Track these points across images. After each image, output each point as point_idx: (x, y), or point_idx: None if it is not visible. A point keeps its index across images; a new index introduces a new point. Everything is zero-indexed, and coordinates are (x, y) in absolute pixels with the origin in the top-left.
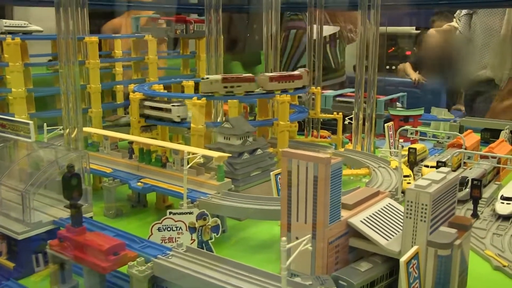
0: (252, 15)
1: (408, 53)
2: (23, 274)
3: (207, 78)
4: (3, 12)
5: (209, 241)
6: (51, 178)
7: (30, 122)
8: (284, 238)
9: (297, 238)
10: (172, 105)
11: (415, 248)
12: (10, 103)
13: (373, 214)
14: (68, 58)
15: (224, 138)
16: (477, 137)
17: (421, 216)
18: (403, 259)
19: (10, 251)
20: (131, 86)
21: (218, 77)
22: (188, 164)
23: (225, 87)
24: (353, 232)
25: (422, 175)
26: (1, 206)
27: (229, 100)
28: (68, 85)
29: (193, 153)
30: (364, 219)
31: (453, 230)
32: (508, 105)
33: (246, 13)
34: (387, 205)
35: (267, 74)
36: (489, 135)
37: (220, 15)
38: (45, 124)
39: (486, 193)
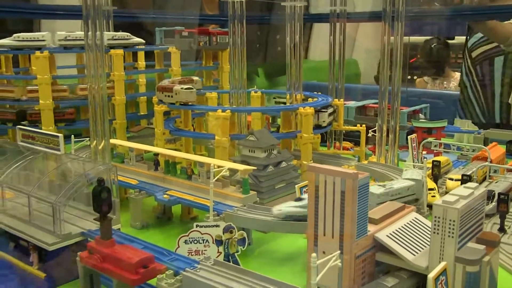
0: (273, 25)
1: (412, 60)
2: (53, 284)
3: None
4: (31, 25)
5: (236, 254)
6: (80, 190)
7: (60, 135)
8: (314, 254)
9: (324, 253)
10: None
11: (443, 264)
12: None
13: (399, 228)
14: (95, 70)
15: (249, 151)
16: (502, 149)
17: (449, 232)
18: (431, 275)
19: (41, 261)
20: (155, 98)
21: None
22: (214, 177)
23: None
24: (380, 246)
25: (446, 188)
26: (32, 218)
27: (252, 112)
28: (96, 97)
29: (219, 166)
30: (391, 234)
31: (482, 246)
32: None
33: (266, 24)
34: (413, 220)
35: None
36: None
37: (244, 27)
38: (72, 136)
39: None
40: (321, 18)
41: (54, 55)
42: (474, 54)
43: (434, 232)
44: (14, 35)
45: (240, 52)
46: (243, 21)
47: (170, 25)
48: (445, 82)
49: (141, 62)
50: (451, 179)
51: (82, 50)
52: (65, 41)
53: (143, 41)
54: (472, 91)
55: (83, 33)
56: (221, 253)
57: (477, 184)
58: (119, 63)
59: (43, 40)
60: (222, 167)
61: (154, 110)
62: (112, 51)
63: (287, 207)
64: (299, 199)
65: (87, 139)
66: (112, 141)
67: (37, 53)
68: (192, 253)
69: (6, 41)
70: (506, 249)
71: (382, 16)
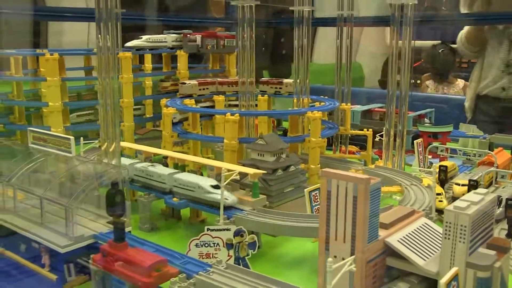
0: (279, 29)
1: (416, 64)
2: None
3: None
4: (38, 27)
5: (246, 257)
6: (91, 193)
7: (71, 137)
8: (330, 259)
9: (335, 257)
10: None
11: (455, 269)
12: (45, 115)
13: (409, 233)
14: (107, 73)
15: (258, 155)
16: (508, 154)
17: (460, 238)
18: (443, 280)
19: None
20: (163, 101)
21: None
22: (224, 181)
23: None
24: (391, 251)
25: (453, 193)
26: (44, 219)
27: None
28: (107, 100)
29: (230, 170)
30: (401, 239)
31: (492, 252)
32: None
33: (273, 28)
34: (423, 225)
35: None
36: None
37: (253, 31)
38: (81, 138)
39: None
40: (327, 22)
41: (63, 57)
42: None
43: (445, 238)
44: (144, 37)
45: (249, 56)
46: (252, 24)
47: (176, 27)
48: (445, 88)
49: (148, 65)
50: (458, 184)
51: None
52: (176, 42)
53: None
54: None
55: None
56: (231, 256)
57: (487, 190)
58: (127, 66)
59: (165, 42)
60: (232, 170)
61: (162, 113)
62: (120, 53)
63: None
64: None
65: (96, 141)
66: (121, 143)
67: (47, 55)
68: (203, 256)
69: (138, 42)
70: None
71: (391, 21)
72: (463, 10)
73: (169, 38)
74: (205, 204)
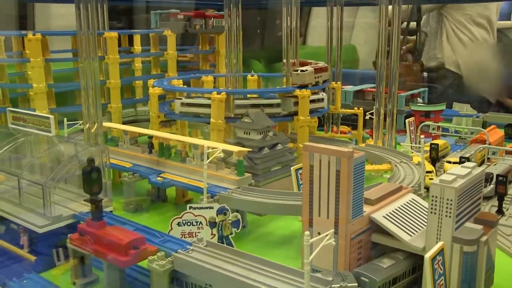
0: (272, 11)
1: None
2: (44, 267)
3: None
4: (24, 9)
5: (229, 236)
6: (71, 172)
7: (51, 116)
8: (307, 232)
9: (319, 234)
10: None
11: (440, 244)
12: (31, 98)
13: (396, 209)
14: (88, 54)
15: (244, 133)
16: (500, 132)
17: (446, 212)
18: (428, 255)
19: (32, 244)
20: (151, 81)
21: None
22: (208, 158)
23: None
24: (376, 227)
25: (444, 171)
26: (22, 200)
27: (248, 95)
28: (88, 81)
29: (213, 148)
30: (387, 215)
31: (479, 226)
32: None
33: (265, 9)
34: (410, 201)
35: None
36: None
37: (240, 10)
38: (65, 119)
39: (511, 189)
40: (319, 2)
41: (47, 38)
42: None
43: (431, 212)
44: None
45: (236, 36)
46: (239, 4)
47: (166, 8)
48: None
49: (137, 47)
50: (449, 162)
51: None
52: None
53: None
54: None
55: None
56: (214, 235)
57: (475, 164)
58: (113, 46)
59: None
60: (216, 148)
61: (149, 93)
62: (106, 33)
63: None
64: None
65: (80, 122)
66: (105, 124)
67: (30, 35)
68: (185, 235)
69: None
70: (504, 230)
71: (379, 0)
72: None
73: None
74: None
